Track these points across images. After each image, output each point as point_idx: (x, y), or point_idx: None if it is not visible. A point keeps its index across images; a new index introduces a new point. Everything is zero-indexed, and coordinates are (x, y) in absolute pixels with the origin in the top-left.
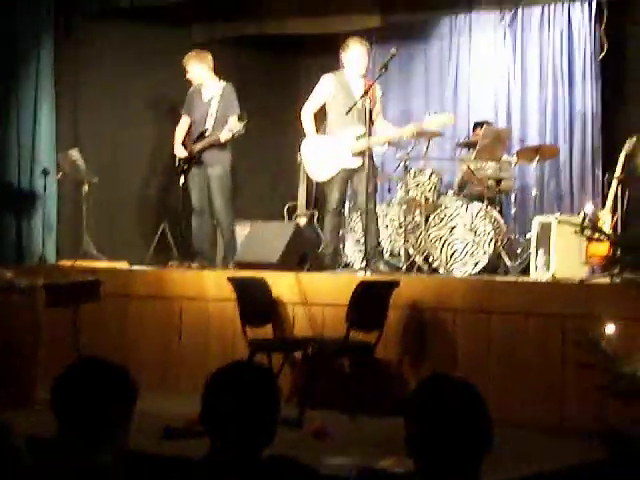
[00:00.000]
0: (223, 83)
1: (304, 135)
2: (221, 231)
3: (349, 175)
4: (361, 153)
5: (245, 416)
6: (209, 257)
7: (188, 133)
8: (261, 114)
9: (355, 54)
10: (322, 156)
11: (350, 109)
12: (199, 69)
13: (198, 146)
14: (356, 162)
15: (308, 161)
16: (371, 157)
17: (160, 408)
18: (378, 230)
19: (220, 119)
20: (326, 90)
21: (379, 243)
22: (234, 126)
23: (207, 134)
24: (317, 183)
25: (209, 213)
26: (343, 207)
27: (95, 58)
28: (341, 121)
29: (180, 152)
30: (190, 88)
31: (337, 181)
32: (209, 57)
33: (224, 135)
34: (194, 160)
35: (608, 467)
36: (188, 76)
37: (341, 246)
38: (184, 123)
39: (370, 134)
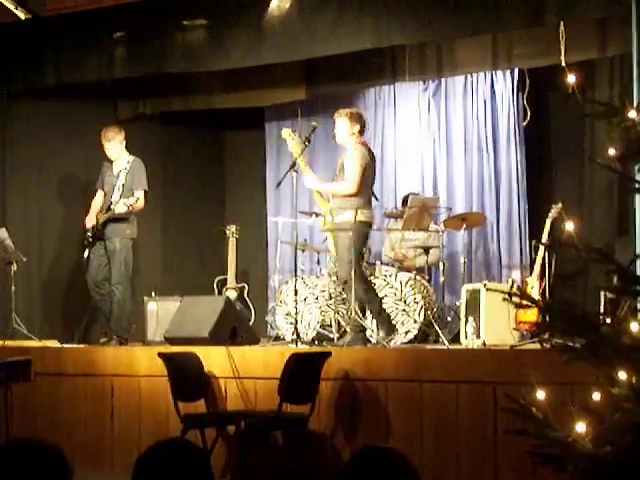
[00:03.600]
0: (132, 157)
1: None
2: (113, 305)
3: None
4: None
5: None
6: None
7: (101, 208)
8: (188, 188)
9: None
10: None
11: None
12: (114, 146)
13: (101, 219)
14: None
15: None
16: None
17: None
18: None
19: (126, 192)
20: None
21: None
22: (132, 200)
23: (112, 207)
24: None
25: (109, 286)
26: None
27: (21, 136)
28: None
29: (88, 222)
30: (104, 162)
31: None
32: (123, 134)
33: (119, 207)
34: (96, 233)
35: None
36: (108, 154)
37: (273, 318)
38: (98, 197)
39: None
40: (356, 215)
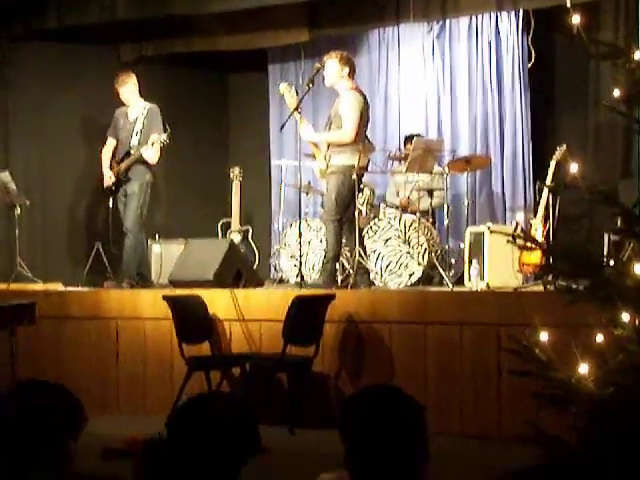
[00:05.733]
0: (148, 104)
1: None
2: (127, 246)
3: None
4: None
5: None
6: (143, 276)
7: (114, 155)
8: (191, 131)
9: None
10: None
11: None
12: (127, 90)
13: (123, 165)
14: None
15: None
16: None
17: (98, 429)
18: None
19: (144, 138)
20: None
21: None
22: (156, 139)
23: (132, 152)
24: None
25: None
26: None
27: (23, 80)
28: None
29: (107, 179)
30: (117, 110)
31: None
32: (134, 78)
33: (145, 152)
34: (121, 179)
35: (547, 472)
36: (122, 98)
37: (277, 261)
38: (110, 145)
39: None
40: (350, 160)
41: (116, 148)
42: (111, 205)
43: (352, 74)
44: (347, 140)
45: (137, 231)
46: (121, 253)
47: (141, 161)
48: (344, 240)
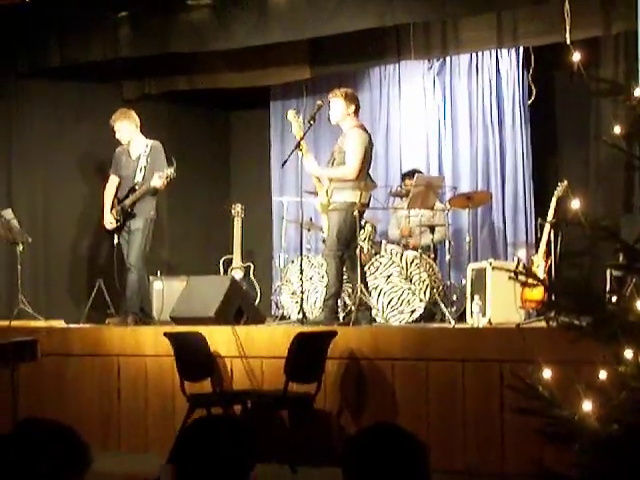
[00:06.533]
0: (150, 141)
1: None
2: (130, 282)
3: None
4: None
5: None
6: (146, 313)
7: (116, 193)
8: (193, 167)
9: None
10: None
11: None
12: (127, 128)
13: (128, 201)
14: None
15: None
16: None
17: (99, 466)
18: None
19: (148, 174)
20: None
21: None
22: (165, 172)
23: (137, 187)
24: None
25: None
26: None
27: (27, 117)
28: None
29: (108, 224)
30: (117, 148)
31: None
32: (135, 115)
33: (154, 181)
34: (126, 215)
35: None
36: (117, 136)
37: (278, 298)
38: (112, 183)
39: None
40: (352, 197)
41: (119, 186)
42: (115, 241)
43: (357, 111)
44: (350, 177)
45: (141, 266)
46: (124, 289)
47: (145, 197)
48: (345, 277)
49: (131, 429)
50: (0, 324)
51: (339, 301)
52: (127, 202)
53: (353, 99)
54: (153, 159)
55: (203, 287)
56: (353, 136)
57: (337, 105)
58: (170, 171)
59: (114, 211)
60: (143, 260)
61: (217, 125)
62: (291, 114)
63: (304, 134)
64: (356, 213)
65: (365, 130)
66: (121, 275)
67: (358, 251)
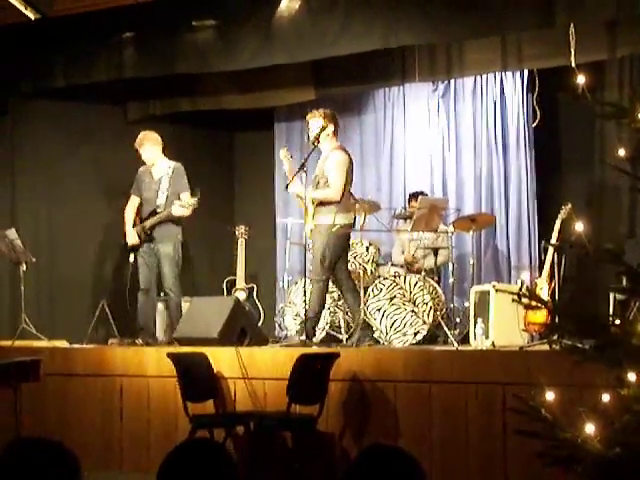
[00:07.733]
0: (173, 163)
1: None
2: (169, 307)
3: None
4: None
5: None
6: (153, 334)
7: (137, 213)
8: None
9: None
10: None
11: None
12: (152, 150)
13: (148, 224)
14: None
15: None
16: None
17: None
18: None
19: (171, 197)
20: None
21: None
22: (187, 201)
23: (159, 210)
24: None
25: (156, 290)
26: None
27: (31, 137)
28: None
29: (131, 238)
30: (140, 168)
31: None
32: (157, 137)
33: (175, 210)
34: (145, 237)
35: None
36: (143, 157)
37: (282, 319)
38: (133, 203)
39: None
40: (335, 218)
41: (140, 206)
42: (131, 259)
43: (336, 132)
44: (334, 199)
45: (178, 291)
46: (135, 310)
47: (170, 220)
48: (341, 302)
49: (133, 449)
50: (3, 344)
51: (341, 321)
52: (147, 224)
53: (332, 118)
54: (175, 181)
55: (207, 308)
56: (334, 158)
57: (316, 125)
58: (193, 201)
59: (137, 228)
60: (179, 283)
61: (221, 146)
62: (282, 153)
63: (308, 156)
64: (340, 235)
65: (345, 151)
66: (132, 294)
67: (361, 273)
